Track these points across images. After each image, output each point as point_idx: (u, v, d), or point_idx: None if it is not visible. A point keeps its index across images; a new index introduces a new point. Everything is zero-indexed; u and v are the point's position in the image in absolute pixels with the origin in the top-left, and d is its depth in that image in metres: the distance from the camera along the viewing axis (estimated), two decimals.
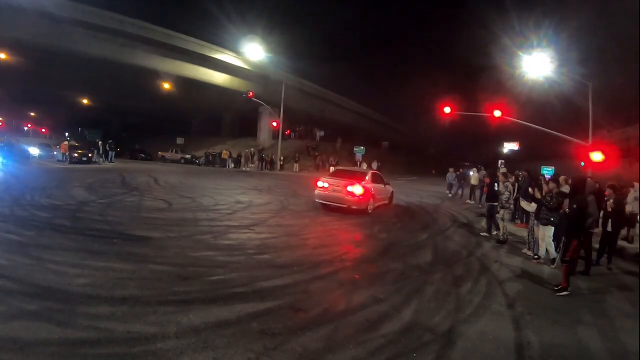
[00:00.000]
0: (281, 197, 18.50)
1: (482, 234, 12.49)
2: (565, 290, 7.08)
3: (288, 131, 53.53)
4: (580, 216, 7.40)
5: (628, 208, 10.69)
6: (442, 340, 4.88)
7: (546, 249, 9.05)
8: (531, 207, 9.75)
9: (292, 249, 9.10)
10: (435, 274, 7.77)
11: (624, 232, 11.14)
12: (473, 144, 53.96)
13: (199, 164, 43.78)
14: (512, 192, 12.10)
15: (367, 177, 15.44)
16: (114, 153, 38.10)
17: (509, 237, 11.68)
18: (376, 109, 63.30)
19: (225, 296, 5.75)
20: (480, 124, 33.55)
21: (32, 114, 67.28)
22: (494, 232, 12.10)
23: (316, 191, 15.30)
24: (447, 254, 9.71)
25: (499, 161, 31.18)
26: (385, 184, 17.09)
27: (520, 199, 11.06)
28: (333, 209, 14.91)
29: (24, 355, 3.92)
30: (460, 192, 24.94)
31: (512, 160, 38.85)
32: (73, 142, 35.66)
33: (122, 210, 12.33)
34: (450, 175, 25.47)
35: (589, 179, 10.81)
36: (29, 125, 68.39)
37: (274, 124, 43.32)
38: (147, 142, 54.50)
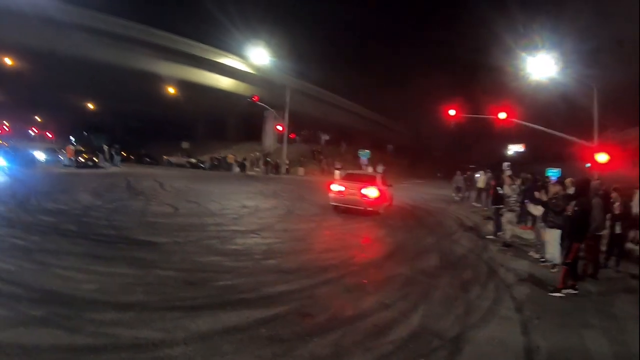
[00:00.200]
0: (287, 201, 18.46)
1: (488, 237, 12.43)
2: (559, 292, 7.06)
3: (293, 135, 53.46)
4: (583, 219, 7.31)
5: (635, 210, 10.62)
6: (450, 346, 4.85)
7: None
8: (538, 210, 9.70)
9: (299, 253, 9.09)
10: (442, 278, 7.73)
11: (632, 234, 11.04)
12: (478, 146, 53.71)
13: (204, 169, 43.76)
14: (518, 194, 12.03)
15: (378, 180, 16.16)
16: (119, 157, 38.18)
17: (515, 240, 11.63)
18: (381, 111, 63.15)
19: (233, 302, 5.72)
20: (485, 126, 33.51)
21: (38, 119, 67.56)
22: (499, 233, 12.07)
23: (331, 194, 15.76)
24: (454, 257, 9.68)
25: (504, 163, 30.96)
26: (389, 186, 17.44)
27: (526, 201, 11.00)
28: (344, 211, 15.32)
29: None
30: (467, 195, 24.79)
31: (517, 162, 38.60)
32: (79, 147, 35.73)
33: (128, 215, 12.36)
34: (458, 178, 25.25)
35: (593, 181, 10.76)
36: (35, 130, 68.72)
37: (279, 127, 43.22)
38: (152, 147, 54.54)
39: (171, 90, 41.15)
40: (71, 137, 51.50)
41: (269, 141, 50.38)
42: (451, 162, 45.36)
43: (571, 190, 9.17)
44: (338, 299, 6.27)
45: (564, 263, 7.40)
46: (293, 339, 4.71)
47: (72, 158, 32.30)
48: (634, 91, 25.15)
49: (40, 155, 36.37)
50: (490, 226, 13.35)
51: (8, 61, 32.47)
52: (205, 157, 47.34)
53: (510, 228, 11.44)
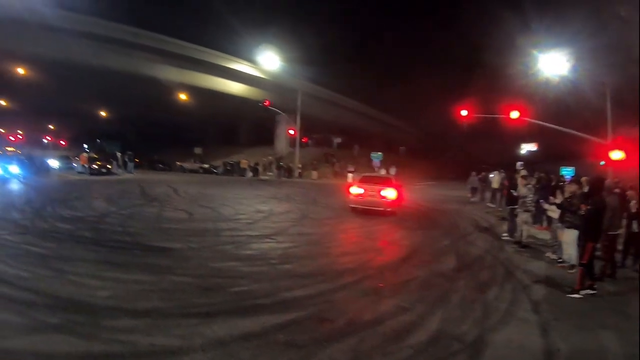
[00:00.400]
0: (301, 205, 18.46)
1: (504, 238, 12.30)
2: (577, 293, 6.96)
3: (305, 139, 53.43)
4: (596, 218, 7.18)
5: None
6: (470, 350, 4.78)
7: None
8: (555, 212, 9.56)
9: (315, 257, 9.04)
10: (459, 280, 7.65)
11: None
12: (490, 146, 53.26)
13: (217, 174, 43.89)
14: (534, 194, 11.88)
15: (395, 182, 17.05)
16: (132, 164, 38.48)
17: (531, 240, 11.50)
18: (392, 113, 62.92)
19: (249, 307, 5.71)
20: (497, 125, 33.26)
21: (51, 127, 68.12)
22: (515, 234, 11.94)
23: (350, 197, 16.37)
24: (470, 259, 9.57)
25: (518, 163, 30.68)
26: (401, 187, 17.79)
27: (541, 201, 10.88)
28: (361, 212, 15.76)
29: None
30: (483, 196, 24.55)
31: (530, 161, 38.24)
32: (92, 154, 36.04)
33: (142, 221, 12.42)
34: (473, 179, 25.03)
35: (608, 179, 10.60)
36: (48, 138, 69.25)
37: (291, 131, 43.33)
38: (165, 153, 54.86)
39: (183, 96, 41.39)
40: (84, 145, 52.03)
41: (281, 145, 50.45)
42: (463, 162, 45.05)
43: (587, 189, 9.05)
44: (355, 303, 6.21)
45: (580, 264, 7.30)
46: (311, 344, 4.66)
47: (86, 165, 32.60)
48: None
49: (54, 163, 36.82)
50: (505, 227, 13.21)
51: (21, 71, 32.89)
52: (218, 162, 47.41)
53: (526, 229, 11.30)
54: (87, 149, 47.87)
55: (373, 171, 34.49)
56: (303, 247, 10.12)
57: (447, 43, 73.18)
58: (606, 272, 8.36)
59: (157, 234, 10.69)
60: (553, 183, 13.83)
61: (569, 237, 8.56)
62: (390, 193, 15.67)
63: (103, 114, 56.50)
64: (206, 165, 47.08)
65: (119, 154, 38.45)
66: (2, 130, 69.05)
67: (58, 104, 48.78)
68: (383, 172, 33.86)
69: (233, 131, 61.77)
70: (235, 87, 41.67)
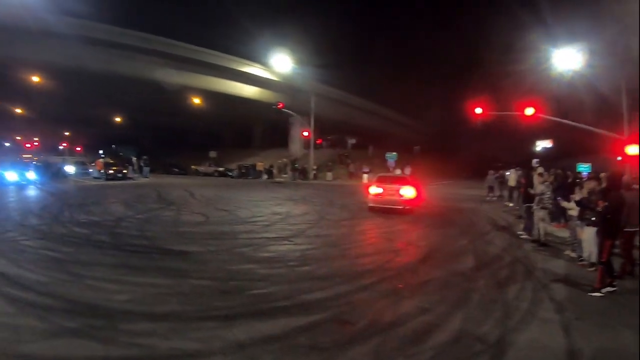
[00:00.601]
0: (317, 206, 18.40)
1: (522, 236, 12.17)
2: (598, 291, 6.84)
3: (319, 140, 53.37)
4: (614, 214, 7.05)
5: None
6: (493, 350, 4.72)
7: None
8: (573, 207, 9.43)
9: (333, 259, 9.02)
10: (479, 280, 7.57)
11: None
12: (504, 144, 52.83)
13: (232, 177, 43.99)
14: (552, 191, 11.73)
15: (412, 180, 17.46)
16: (148, 168, 38.72)
17: (549, 238, 11.35)
18: (405, 112, 62.69)
19: (269, 310, 5.70)
20: (511, 122, 33.00)
21: (67, 133, 68.82)
22: (532, 232, 11.79)
23: (370, 197, 16.66)
24: (489, 258, 9.46)
25: (534, 160, 30.37)
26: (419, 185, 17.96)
27: (559, 199, 10.75)
28: (379, 212, 15.99)
29: None
30: (500, 194, 24.31)
31: (546, 158, 37.86)
32: (108, 159, 36.36)
33: (159, 225, 12.49)
34: (490, 178, 24.80)
35: (626, 175, 10.43)
36: (64, 145, 69.94)
37: (305, 133, 43.32)
38: (180, 157, 55.12)
39: (197, 100, 41.51)
40: (100, 151, 52.47)
41: (295, 147, 50.47)
42: (478, 161, 44.74)
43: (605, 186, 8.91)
44: (376, 304, 6.18)
45: (599, 262, 7.19)
46: (333, 347, 4.64)
47: (102, 171, 32.86)
48: None
49: (70, 169, 37.16)
50: (523, 225, 13.07)
51: (36, 79, 33.22)
52: (233, 165, 47.49)
53: (543, 226, 11.16)
54: (103, 154, 48.28)
55: (388, 171, 34.37)
56: (321, 248, 10.11)
57: (460, 41, 72.88)
58: (626, 270, 8.22)
59: (175, 237, 10.74)
60: (570, 180, 13.67)
61: (589, 235, 8.43)
62: (409, 191, 15.96)
63: (118, 119, 56.87)
64: (221, 169, 47.15)
65: (134, 159, 38.74)
66: (19, 138, 70.00)
67: (73, 111, 49.23)
68: (398, 172, 33.65)
69: (247, 134, 61.98)
70: (248, 90, 41.71)
